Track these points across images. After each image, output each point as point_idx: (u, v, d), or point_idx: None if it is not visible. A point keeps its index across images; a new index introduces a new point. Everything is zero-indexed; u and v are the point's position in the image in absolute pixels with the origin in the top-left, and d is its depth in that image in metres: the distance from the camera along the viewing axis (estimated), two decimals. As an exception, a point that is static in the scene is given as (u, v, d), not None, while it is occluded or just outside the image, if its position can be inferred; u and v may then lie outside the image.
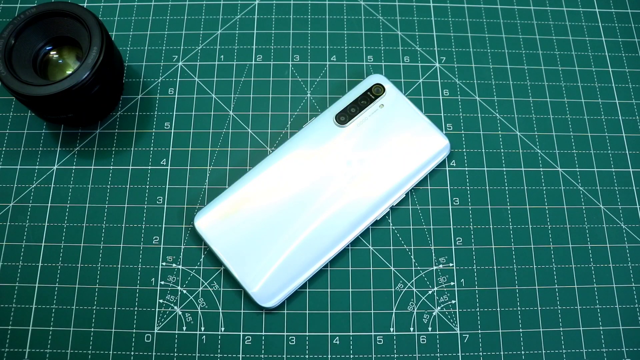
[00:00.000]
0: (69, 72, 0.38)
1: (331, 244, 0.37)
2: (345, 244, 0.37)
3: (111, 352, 0.35)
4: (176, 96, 0.42)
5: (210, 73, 0.43)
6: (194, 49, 0.43)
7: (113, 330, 0.36)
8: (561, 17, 0.45)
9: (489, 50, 0.44)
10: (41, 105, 0.36)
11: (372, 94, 0.40)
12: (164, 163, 0.40)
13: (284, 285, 0.36)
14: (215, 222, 0.37)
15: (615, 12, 0.46)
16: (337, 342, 0.36)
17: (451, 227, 0.39)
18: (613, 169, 0.41)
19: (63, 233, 0.38)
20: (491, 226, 0.39)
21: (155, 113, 0.42)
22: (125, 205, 0.39)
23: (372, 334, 0.36)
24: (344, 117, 0.39)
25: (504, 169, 0.40)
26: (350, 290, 0.37)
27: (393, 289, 0.37)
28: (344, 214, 0.37)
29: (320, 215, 0.37)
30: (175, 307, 0.37)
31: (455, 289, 0.37)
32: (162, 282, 0.37)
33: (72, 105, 0.37)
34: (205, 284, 0.37)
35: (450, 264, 0.38)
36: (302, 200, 0.37)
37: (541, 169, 0.40)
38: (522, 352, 0.36)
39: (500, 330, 0.36)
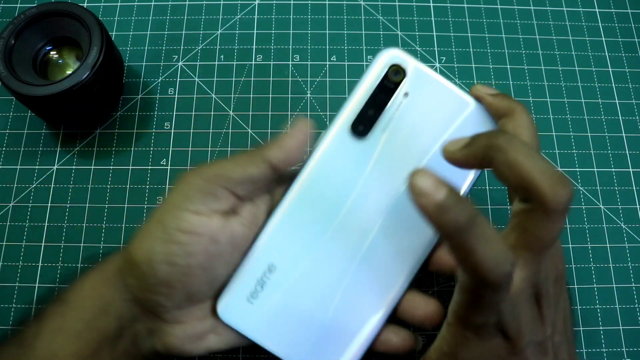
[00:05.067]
0: (69, 72, 0.38)
1: (386, 290, 0.29)
2: (404, 284, 0.29)
3: (111, 352, 0.35)
4: (176, 96, 0.42)
5: (210, 73, 0.43)
6: (194, 49, 0.43)
7: (113, 330, 0.36)
8: (561, 17, 0.45)
9: (489, 51, 0.44)
10: (41, 105, 0.36)
11: (391, 82, 0.29)
12: (164, 163, 0.40)
13: (348, 350, 0.29)
14: (246, 308, 0.29)
15: (616, 12, 0.46)
16: (337, 342, 0.36)
17: (451, 227, 0.39)
18: (613, 169, 0.41)
19: (63, 233, 0.38)
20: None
21: (155, 113, 0.42)
22: (126, 205, 0.39)
23: (372, 334, 0.36)
24: (362, 126, 0.29)
25: (504, 169, 0.40)
26: (350, 290, 0.37)
27: (393, 289, 0.37)
28: (397, 245, 0.29)
29: (366, 266, 0.29)
30: (175, 307, 0.36)
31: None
32: (162, 282, 0.37)
33: (72, 105, 0.37)
34: (205, 284, 0.37)
35: (450, 264, 0.38)
36: (337, 251, 0.29)
37: (541, 169, 0.40)
38: (522, 352, 0.36)
39: (500, 330, 0.36)
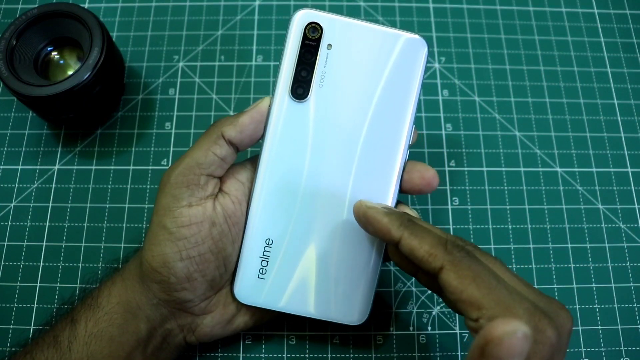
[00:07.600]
0: (70, 72, 0.38)
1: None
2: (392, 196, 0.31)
3: (112, 352, 0.36)
4: (177, 96, 0.42)
5: (210, 73, 0.43)
6: (194, 49, 0.44)
7: (114, 329, 0.36)
8: (560, 18, 0.45)
9: (488, 51, 0.44)
10: (42, 106, 0.36)
11: (311, 40, 0.30)
12: (165, 163, 0.40)
13: (360, 292, 0.31)
14: (259, 285, 0.31)
15: (614, 13, 0.46)
16: (337, 341, 0.36)
17: (450, 227, 0.39)
18: (612, 169, 0.41)
19: (64, 233, 0.38)
20: (490, 226, 0.39)
21: (156, 113, 0.42)
22: (127, 205, 0.39)
23: (372, 333, 0.36)
24: (300, 89, 0.30)
25: (503, 169, 0.40)
26: (350, 289, 0.37)
27: (393, 288, 0.37)
28: (372, 178, 0.31)
29: (348, 198, 0.31)
30: (176, 307, 0.37)
31: (455, 288, 0.37)
32: (163, 282, 0.37)
33: (73, 106, 0.37)
34: (206, 283, 0.37)
35: (450, 264, 0.38)
36: (319, 204, 0.31)
37: (540, 169, 0.41)
38: (521, 352, 0.36)
39: (499, 330, 0.36)
